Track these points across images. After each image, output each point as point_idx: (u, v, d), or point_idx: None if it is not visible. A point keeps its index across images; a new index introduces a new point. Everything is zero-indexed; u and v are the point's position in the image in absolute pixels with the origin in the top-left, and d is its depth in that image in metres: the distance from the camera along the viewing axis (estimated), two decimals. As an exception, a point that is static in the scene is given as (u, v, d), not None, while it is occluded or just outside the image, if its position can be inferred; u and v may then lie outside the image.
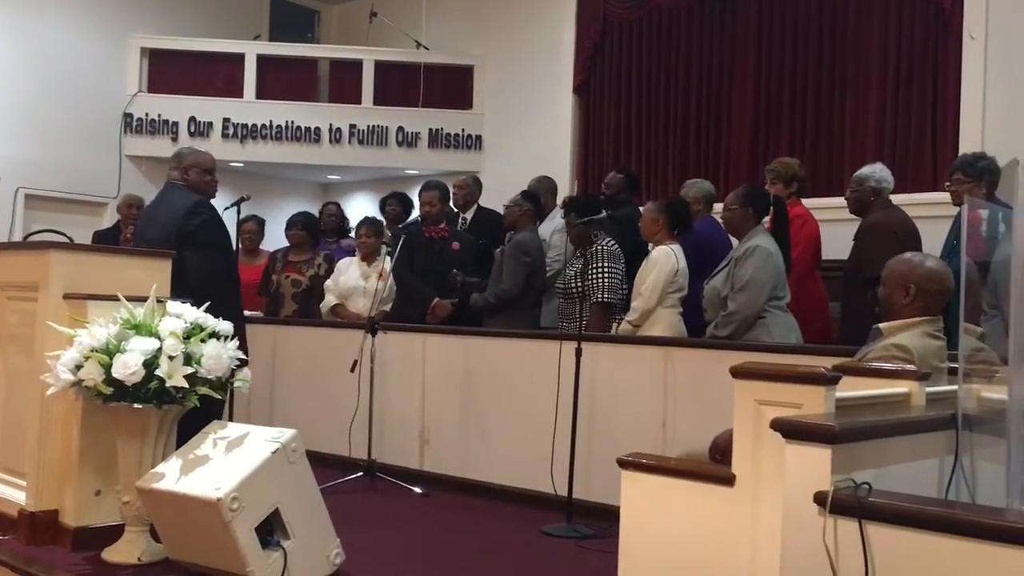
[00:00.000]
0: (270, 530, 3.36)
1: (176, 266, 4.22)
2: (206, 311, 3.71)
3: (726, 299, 4.57)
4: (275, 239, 7.42)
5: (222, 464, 3.38)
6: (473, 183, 6.97)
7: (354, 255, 6.60)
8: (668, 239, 5.10)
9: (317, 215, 7.47)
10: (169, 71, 9.56)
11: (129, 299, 3.66)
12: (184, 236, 4.48)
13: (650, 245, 5.25)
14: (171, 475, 3.42)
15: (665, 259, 4.97)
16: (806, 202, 5.66)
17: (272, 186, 10.10)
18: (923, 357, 2.89)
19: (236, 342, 3.72)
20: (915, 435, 2.41)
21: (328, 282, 6.50)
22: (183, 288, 4.06)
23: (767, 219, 4.87)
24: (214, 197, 4.85)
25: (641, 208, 5.60)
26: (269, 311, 6.73)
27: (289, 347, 6.35)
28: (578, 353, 4.51)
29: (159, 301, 3.68)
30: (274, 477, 3.37)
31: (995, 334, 2.70)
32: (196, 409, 3.63)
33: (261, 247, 7.26)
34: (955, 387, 2.53)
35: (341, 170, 10.19)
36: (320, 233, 7.06)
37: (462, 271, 6.02)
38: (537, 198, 6.13)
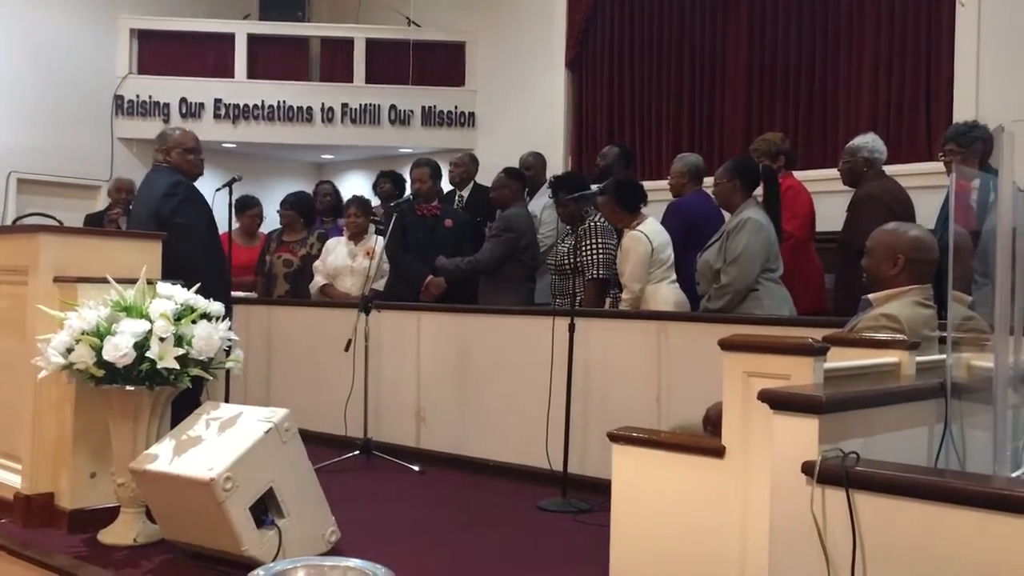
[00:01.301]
0: (265, 509, 3.37)
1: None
2: (195, 292, 3.70)
3: (719, 272, 4.56)
4: (270, 220, 7.41)
5: (215, 444, 3.38)
6: (470, 160, 6.96)
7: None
8: (632, 220, 5.07)
9: (311, 195, 7.45)
10: (159, 52, 9.50)
11: (120, 281, 3.65)
12: (161, 219, 4.46)
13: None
14: (164, 456, 3.42)
15: (636, 245, 4.95)
16: (798, 174, 5.66)
17: (265, 166, 10.06)
18: (913, 326, 2.88)
19: (228, 323, 3.71)
20: (904, 404, 2.41)
21: (316, 263, 6.50)
22: (169, 271, 4.05)
23: (759, 192, 4.86)
24: (200, 176, 4.83)
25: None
26: (263, 291, 6.73)
27: (284, 327, 6.35)
28: (571, 329, 4.51)
29: (149, 283, 3.67)
30: (267, 457, 3.37)
31: (985, 302, 2.69)
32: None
33: (260, 229, 7.25)
34: (944, 356, 2.53)
35: (334, 149, 10.15)
36: (314, 213, 7.04)
37: (455, 248, 6.01)
38: (521, 174, 6.10)
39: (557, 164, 8.03)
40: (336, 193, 7.55)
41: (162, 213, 4.50)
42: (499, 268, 5.76)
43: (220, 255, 4.94)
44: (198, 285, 3.74)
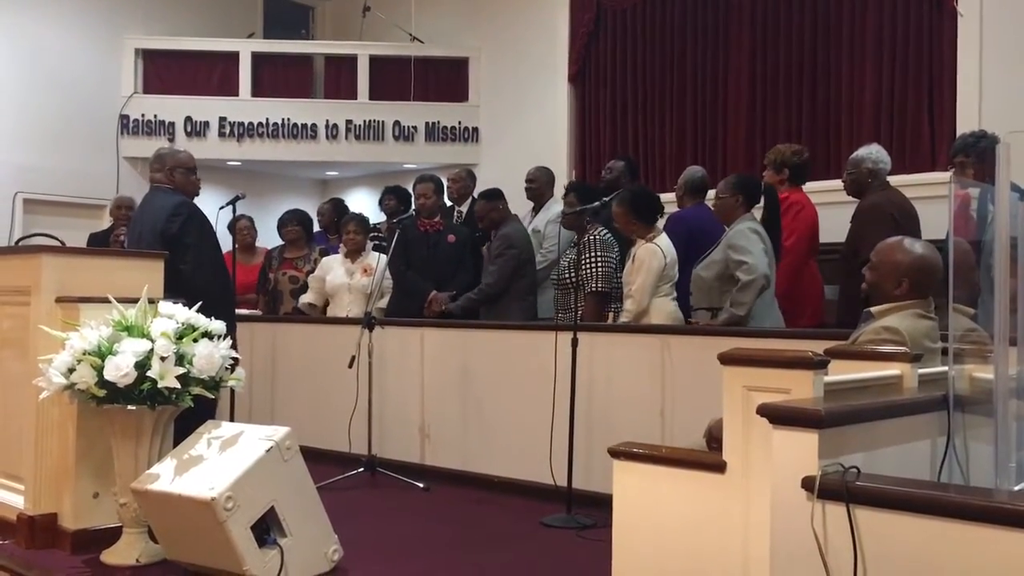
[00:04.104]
0: (266, 528, 3.36)
1: (166, 269, 4.23)
2: (199, 311, 3.70)
3: (716, 282, 4.57)
4: (275, 236, 7.41)
5: (216, 464, 3.38)
6: (467, 175, 6.95)
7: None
8: (648, 231, 5.05)
9: (316, 213, 7.47)
10: (164, 71, 9.55)
11: (122, 301, 3.65)
12: (167, 239, 4.46)
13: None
14: (166, 476, 3.42)
15: (651, 258, 4.92)
16: (805, 185, 5.62)
17: (270, 184, 10.09)
18: (915, 338, 2.87)
19: (229, 341, 3.71)
20: (905, 417, 2.39)
21: (311, 278, 6.51)
22: (175, 291, 4.06)
23: (759, 208, 4.87)
24: (197, 196, 4.84)
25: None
26: (267, 309, 6.73)
27: (288, 345, 6.35)
28: (574, 343, 4.49)
29: (151, 302, 3.68)
30: (268, 475, 3.36)
31: (988, 314, 2.68)
32: (189, 409, 3.62)
33: (257, 245, 7.25)
34: (947, 368, 2.51)
35: (339, 166, 10.18)
36: (312, 230, 7.05)
37: (458, 264, 6.01)
38: (498, 192, 6.04)
39: (560, 178, 8.02)
40: (333, 211, 7.48)
41: (168, 233, 4.49)
42: (509, 287, 5.74)
43: (225, 274, 4.96)
44: (200, 304, 3.74)
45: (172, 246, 4.41)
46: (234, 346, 4.16)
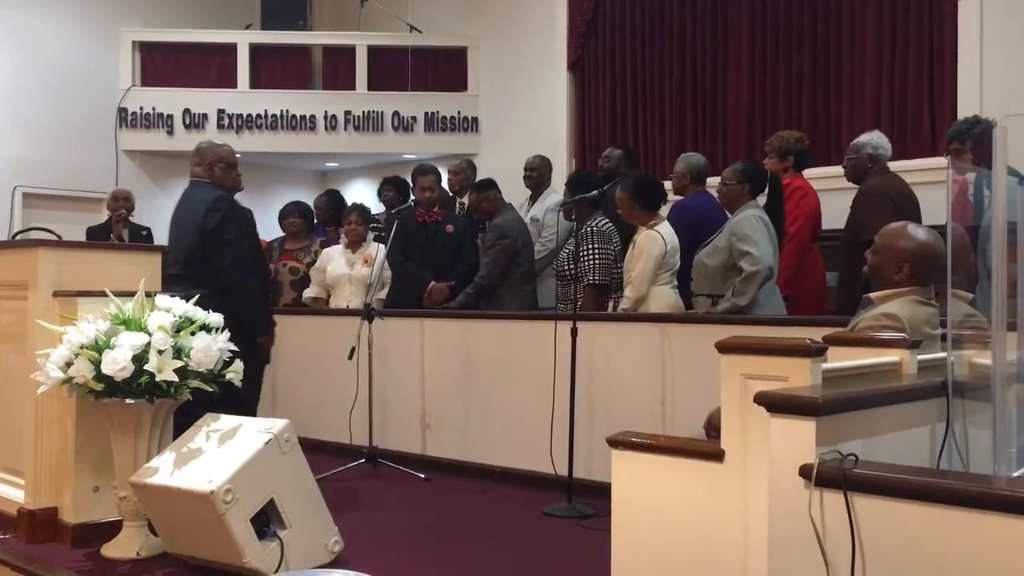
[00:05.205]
0: (266, 520, 3.36)
1: (204, 265, 4.24)
2: (237, 307, 3.91)
3: (719, 270, 4.55)
4: (274, 228, 7.39)
5: (215, 457, 3.38)
6: (468, 167, 6.93)
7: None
8: (651, 218, 5.03)
9: (313, 206, 7.45)
10: (162, 64, 9.53)
11: (119, 294, 3.64)
12: (205, 234, 4.40)
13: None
14: (164, 469, 3.41)
15: (652, 244, 4.91)
16: (805, 172, 5.60)
17: (270, 176, 10.06)
18: (914, 325, 2.85)
19: (227, 334, 3.69)
20: (904, 404, 2.38)
21: (312, 270, 6.51)
22: (213, 288, 4.05)
23: (763, 195, 4.85)
24: (239, 191, 4.80)
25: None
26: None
27: (289, 336, 6.30)
28: (573, 333, 4.48)
29: (148, 296, 3.67)
30: (267, 468, 3.36)
31: (986, 299, 2.66)
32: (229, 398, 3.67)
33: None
34: (946, 354, 2.50)
35: (338, 157, 10.15)
36: (313, 222, 7.04)
37: (457, 254, 6.00)
38: (491, 182, 6.03)
39: (561, 167, 8.00)
40: (330, 203, 7.44)
41: (205, 228, 4.41)
42: (504, 277, 5.72)
43: (260, 269, 4.93)
44: (238, 303, 3.89)
45: (209, 241, 4.37)
46: (271, 343, 4.37)
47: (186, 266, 4.38)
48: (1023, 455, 2.15)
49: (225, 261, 4.41)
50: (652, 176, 5.74)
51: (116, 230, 6.91)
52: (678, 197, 5.68)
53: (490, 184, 5.98)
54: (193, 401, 3.58)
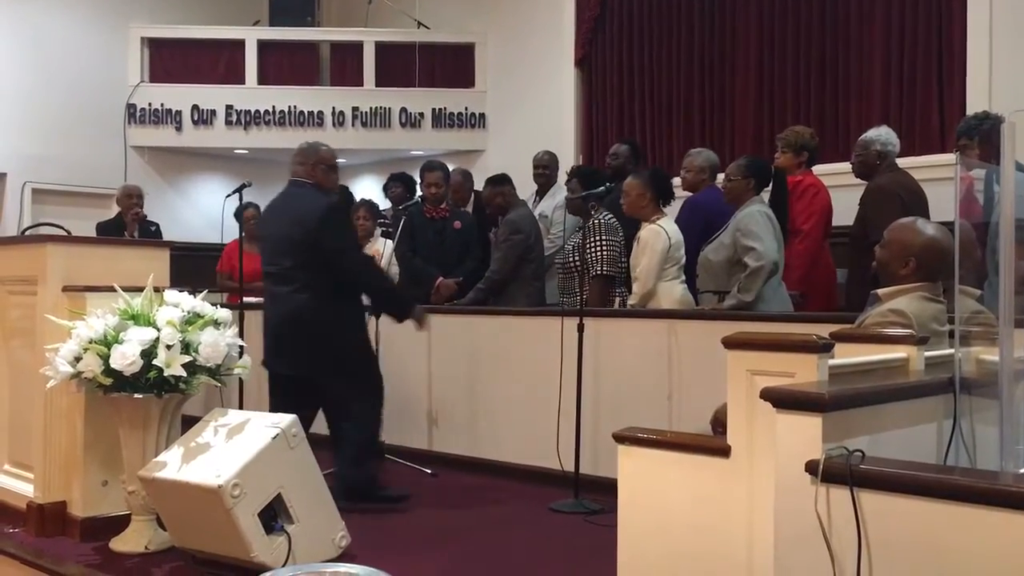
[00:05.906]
0: (274, 515, 3.37)
1: (328, 269, 4.26)
2: (376, 300, 4.60)
3: (724, 265, 4.55)
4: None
5: (223, 451, 3.39)
6: (464, 178, 6.78)
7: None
8: (656, 213, 5.03)
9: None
10: (170, 60, 9.56)
11: (128, 290, 3.66)
12: (326, 251, 4.31)
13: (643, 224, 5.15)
14: (173, 464, 3.43)
15: (655, 239, 4.90)
16: (814, 168, 5.59)
17: (278, 172, 9.98)
18: (921, 321, 2.84)
19: (235, 329, 3.71)
20: (911, 400, 2.37)
21: None
22: (323, 289, 4.25)
23: (767, 191, 4.84)
24: (336, 193, 4.90)
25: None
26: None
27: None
28: (580, 328, 4.48)
29: (156, 291, 3.68)
30: (275, 463, 3.37)
31: (994, 295, 2.66)
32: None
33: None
34: (953, 351, 2.49)
35: (345, 153, 10.11)
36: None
37: (464, 249, 6.00)
38: (505, 177, 6.01)
39: (568, 163, 7.98)
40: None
41: (321, 243, 4.31)
42: (516, 273, 5.72)
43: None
44: (392, 298, 4.48)
45: (331, 257, 4.32)
46: (422, 312, 4.70)
47: (295, 268, 4.34)
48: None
49: (350, 265, 4.41)
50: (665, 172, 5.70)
51: (131, 228, 6.91)
52: (687, 194, 5.66)
53: (504, 179, 5.96)
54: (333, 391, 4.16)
